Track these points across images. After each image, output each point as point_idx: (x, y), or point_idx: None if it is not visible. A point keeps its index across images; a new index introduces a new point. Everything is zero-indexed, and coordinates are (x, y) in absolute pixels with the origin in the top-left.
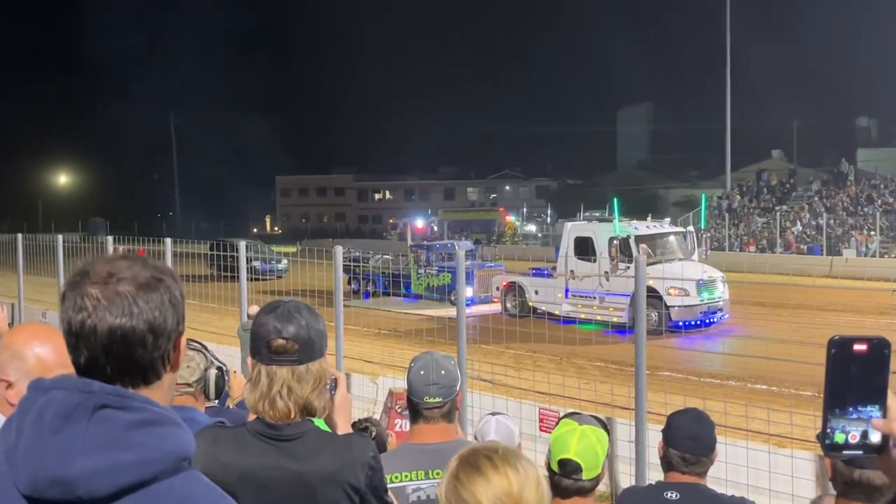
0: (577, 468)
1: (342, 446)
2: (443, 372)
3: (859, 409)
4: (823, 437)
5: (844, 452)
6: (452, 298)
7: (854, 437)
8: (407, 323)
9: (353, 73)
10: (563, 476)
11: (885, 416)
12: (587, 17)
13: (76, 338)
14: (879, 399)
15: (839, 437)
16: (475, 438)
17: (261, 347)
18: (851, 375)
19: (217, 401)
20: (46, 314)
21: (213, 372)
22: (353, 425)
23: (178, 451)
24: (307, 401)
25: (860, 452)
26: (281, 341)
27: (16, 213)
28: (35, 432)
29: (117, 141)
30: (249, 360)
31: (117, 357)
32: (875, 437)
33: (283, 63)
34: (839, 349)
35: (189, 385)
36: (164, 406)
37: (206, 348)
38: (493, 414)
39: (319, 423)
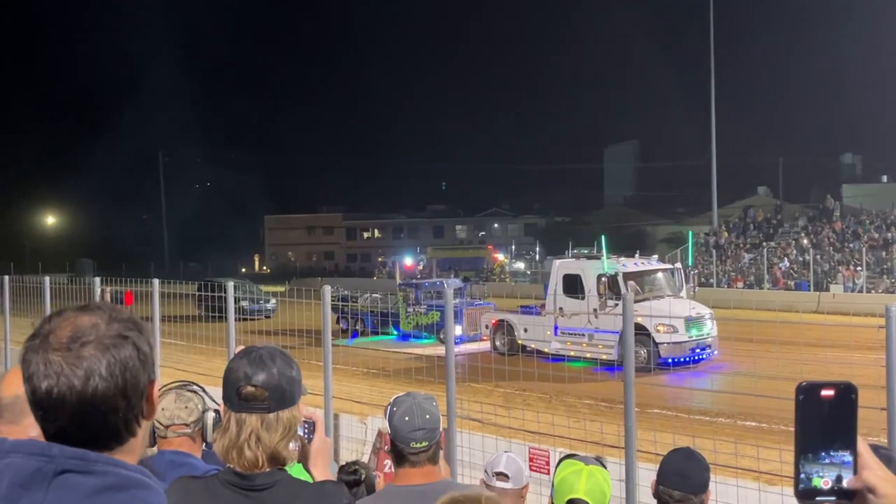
0: None
1: (315, 494)
2: (427, 416)
3: (831, 453)
4: (797, 482)
5: (818, 498)
6: (441, 337)
7: (827, 482)
8: (396, 362)
9: (342, 112)
10: None
11: (855, 461)
12: (574, 57)
13: (43, 408)
14: (849, 443)
15: (816, 482)
16: (485, 472)
17: (231, 394)
18: (821, 421)
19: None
20: None
21: (210, 415)
22: (342, 468)
23: None
24: (275, 450)
25: (833, 498)
26: (251, 388)
27: (2, 254)
28: None
29: (105, 182)
30: (222, 406)
31: (90, 425)
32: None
33: (272, 103)
34: (807, 395)
35: (187, 425)
36: (133, 466)
37: (203, 391)
38: (506, 452)
39: (298, 469)
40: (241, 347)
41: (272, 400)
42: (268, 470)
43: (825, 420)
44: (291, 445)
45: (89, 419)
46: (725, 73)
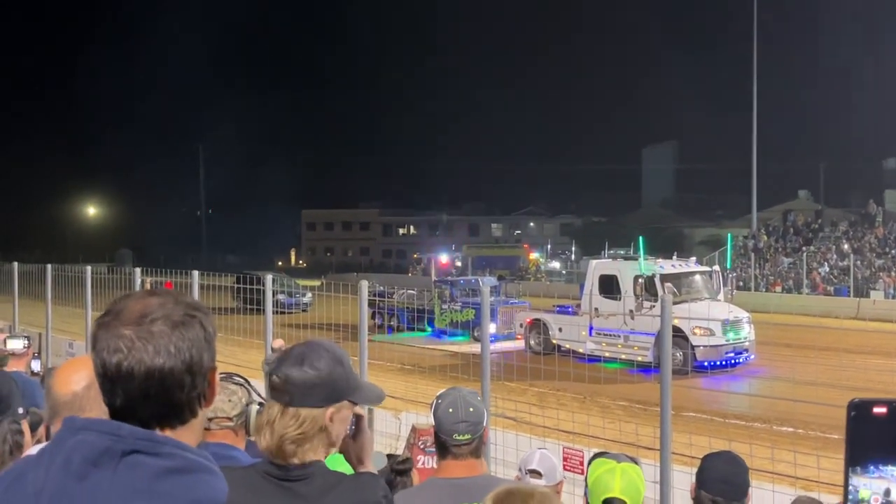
0: None
1: (351, 486)
2: (471, 409)
3: (880, 467)
4: (845, 495)
5: None
6: (476, 335)
7: (877, 499)
8: (430, 358)
9: (380, 109)
10: None
11: None
12: (613, 56)
13: (112, 381)
14: None
15: (864, 495)
16: (519, 469)
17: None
18: (872, 436)
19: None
20: (73, 344)
21: (254, 407)
22: (391, 457)
23: (204, 502)
24: (279, 442)
25: None
26: (276, 379)
27: (45, 243)
28: (62, 476)
29: (146, 174)
30: None
31: (155, 399)
32: None
33: (312, 98)
34: (858, 412)
35: (230, 419)
36: (198, 450)
37: (248, 383)
38: (540, 449)
39: (339, 461)
40: (279, 340)
41: (292, 395)
42: (308, 460)
43: (876, 436)
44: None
45: (155, 393)
46: (768, 75)
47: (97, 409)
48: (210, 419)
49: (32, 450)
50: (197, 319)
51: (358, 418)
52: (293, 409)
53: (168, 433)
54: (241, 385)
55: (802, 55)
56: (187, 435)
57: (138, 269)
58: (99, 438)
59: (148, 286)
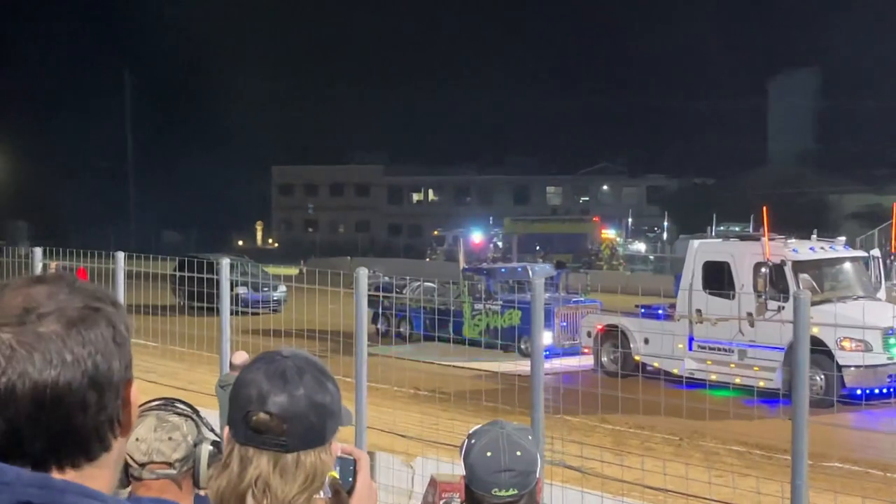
0: None
1: None
2: (518, 453)
3: None
4: None
5: None
6: (524, 347)
7: None
8: (457, 381)
9: (384, 25)
10: None
11: None
12: None
13: None
14: None
15: None
16: None
17: (237, 418)
18: None
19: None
20: None
21: (204, 448)
22: None
23: None
24: None
25: None
26: (264, 416)
27: None
28: None
29: (48, 116)
30: (226, 430)
31: (48, 427)
32: None
33: (287, 8)
34: None
35: (170, 465)
36: (113, 498)
37: (197, 414)
38: None
39: None
40: (241, 354)
41: (292, 435)
42: None
43: None
44: (321, 495)
45: (48, 418)
46: None
47: None
48: (143, 465)
49: None
50: (102, 314)
51: (356, 464)
52: (293, 457)
53: (71, 474)
54: (187, 417)
55: None
56: (98, 476)
57: (38, 250)
58: None
59: (53, 271)
